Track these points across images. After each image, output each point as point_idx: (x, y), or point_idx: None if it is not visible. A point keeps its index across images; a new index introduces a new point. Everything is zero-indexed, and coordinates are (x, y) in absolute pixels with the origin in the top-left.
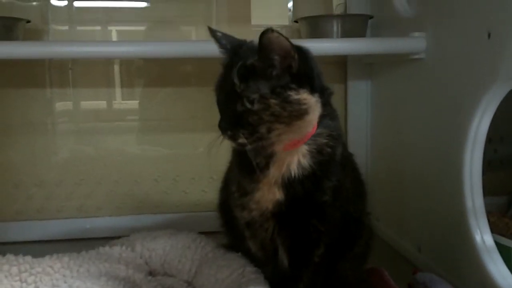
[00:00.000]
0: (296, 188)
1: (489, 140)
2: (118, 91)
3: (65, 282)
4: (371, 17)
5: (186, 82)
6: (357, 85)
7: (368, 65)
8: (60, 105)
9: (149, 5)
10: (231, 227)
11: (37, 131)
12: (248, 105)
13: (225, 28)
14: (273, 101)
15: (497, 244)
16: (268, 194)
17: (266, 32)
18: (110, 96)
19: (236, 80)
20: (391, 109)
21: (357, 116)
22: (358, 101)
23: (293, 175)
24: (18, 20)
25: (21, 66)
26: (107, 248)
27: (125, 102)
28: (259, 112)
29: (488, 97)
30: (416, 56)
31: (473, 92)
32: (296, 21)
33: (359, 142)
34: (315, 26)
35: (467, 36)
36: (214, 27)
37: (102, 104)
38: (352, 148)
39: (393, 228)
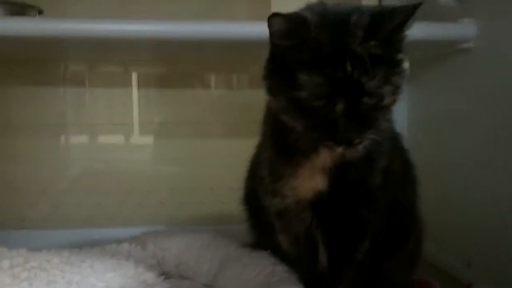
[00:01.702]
0: (347, 174)
1: None
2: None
3: (63, 278)
4: None
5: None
6: None
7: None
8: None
9: None
10: (258, 221)
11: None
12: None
13: None
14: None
15: None
16: (309, 181)
17: None
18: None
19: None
20: (434, 112)
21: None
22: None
23: (346, 159)
24: (29, 7)
25: (32, 63)
26: (113, 246)
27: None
28: (388, 105)
29: None
30: (465, 45)
31: None
32: None
33: None
34: None
35: None
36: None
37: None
38: None
39: (437, 243)
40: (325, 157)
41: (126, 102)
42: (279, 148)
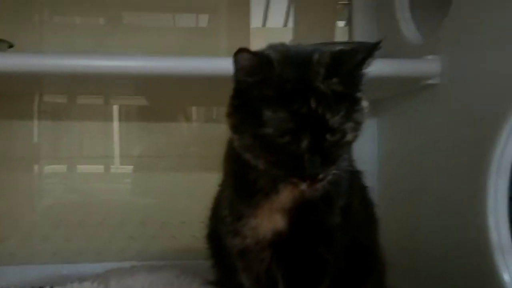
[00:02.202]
0: (306, 213)
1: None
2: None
3: None
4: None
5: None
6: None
7: (375, 101)
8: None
9: None
10: (220, 260)
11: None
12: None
13: None
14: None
15: None
16: (269, 221)
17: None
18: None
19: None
20: (403, 146)
21: (364, 158)
22: (365, 142)
23: (306, 198)
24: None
25: (6, 96)
26: (75, 285)
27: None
28: (349, 142)
29: None
30: (430, 81)
31: (496, 114)
32: None
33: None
34: None
35: (488, 49)
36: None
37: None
38: None
39: (403, 278)
40: (285, 197)
41: (105, 134)
42: (239, 188)
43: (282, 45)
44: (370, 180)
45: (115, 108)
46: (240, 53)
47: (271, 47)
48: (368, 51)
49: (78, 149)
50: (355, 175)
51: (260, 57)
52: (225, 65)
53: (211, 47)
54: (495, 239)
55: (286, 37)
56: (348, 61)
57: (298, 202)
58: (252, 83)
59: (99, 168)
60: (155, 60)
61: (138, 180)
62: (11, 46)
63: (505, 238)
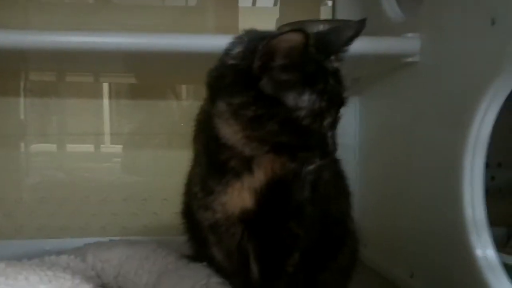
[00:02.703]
0: (276, 191)
1: (486, 165)
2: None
3: None
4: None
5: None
6: None
7: (355, 80)
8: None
9: None
10: (194, 234)
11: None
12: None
13: None
14: None
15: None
16: (237, 199)
17: None
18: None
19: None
20: (383, 125)
21: (344, 136)
22: (345, 120)
23: (278, 176)
24: None
25: None
26: (53, 257)
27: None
28: None
29: (491, 93)
30: (410, 59)
31: (474, 89)
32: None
33: (346, 163)
34: None
35: (466, 27)
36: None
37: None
38: None
39: (382, 254)
40: (259, 177)
41: (96, 112)
42: (210, 166)
43: (252, 31)
44: (351, 156)
45: (105, 86)
46: (299, 33)
47: (248, 32)
48: (357, 29)
49: (66, 126)
50: None
51: (307, 37)
52: (214, 43)
53: (199, 26)
54: (470, 215)
55: (272, 16)
56: (338, 40)
57: (270, 181)
58: (277, 67)
59: (87, 146)
60: (143, 37)
61: (125, 158)
62: None
63: (480, 215)
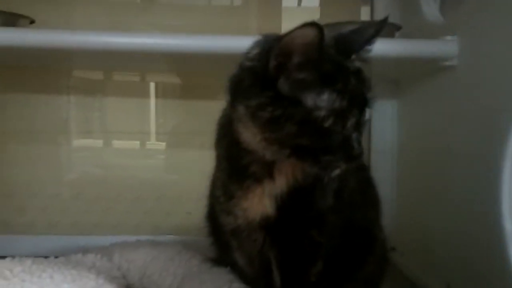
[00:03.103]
0: (297, 198)
1: None
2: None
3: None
4: (398, 28)
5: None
6: (382, 105)
7: (393, 82)
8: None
9: None
10: (217, 237)
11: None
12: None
13: None
14: None
15: None
16: (258, 205)
17: None
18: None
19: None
20: (420, 129)
21: (382, 140)
22: (383, 123)
23: (299, 183)
24: (21, 17)
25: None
26: (79, 256)
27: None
28: None
29: None
30: (448, 63)
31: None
32: None
33: (383, 169)
34: None
35: (504, 30)
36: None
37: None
38: (377, 174)
39: (418, 264)
40: (279, 183)
41: (143, 110)
42: (232, 170)
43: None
44: (389, 161)
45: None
46: (314, 27)
47: (266, 35)
48: (377, 29)
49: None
50: None
51: (321, 31)
52: None
53: (242, 26)
54: (509, 226)
55: (316, 16)
56: (359, 39)
57: (291, 187)
58: (293, 66)
59: (132, 143)
60: (186, 39)
61: (168, 157)
62: (32, 21)
63: None
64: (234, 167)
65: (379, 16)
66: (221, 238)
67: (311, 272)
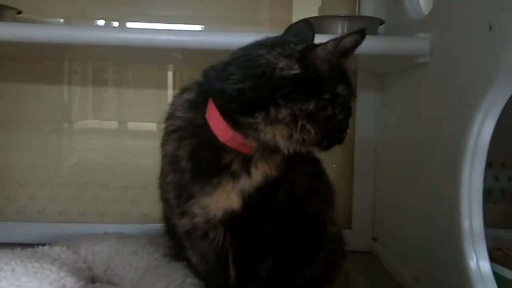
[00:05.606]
0: (262, 192)
1: (489, 165)
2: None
3: None
4: (381, 22)
5: None
6: (367, 97)
7: (379, 76)
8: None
9: None
10: (172, 235)
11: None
12: None
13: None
14: None
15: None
16: (224, 201)
17: None
18: None
19: None
20: (399, 123)
21: (365, 131)
22: (367, 114)
23: (270, 177)
24: (7, 8)
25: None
26: (46, 248)
27: None
28: None
29: (490, 98)
30: (421, 60)
31: (473, 94)
32: None
33: (366, 157)
34: (320, 27)
35: (467, 32)
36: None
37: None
38: (360, 163)
39: (394, 255)
40: (256, 177)
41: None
42: (199, 170)
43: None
44: (372, 153)
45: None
46: (355, 36)
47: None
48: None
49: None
50: None
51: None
52: None
53: (252, 19)
54: (466, 227)
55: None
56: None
57: (262, 182)
58: (337, 66)
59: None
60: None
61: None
62: (19, 12)
63: (478, 227)
64: (202, 167)
65: (365, 11)
66: (175, 237)
67: (262, 267)
